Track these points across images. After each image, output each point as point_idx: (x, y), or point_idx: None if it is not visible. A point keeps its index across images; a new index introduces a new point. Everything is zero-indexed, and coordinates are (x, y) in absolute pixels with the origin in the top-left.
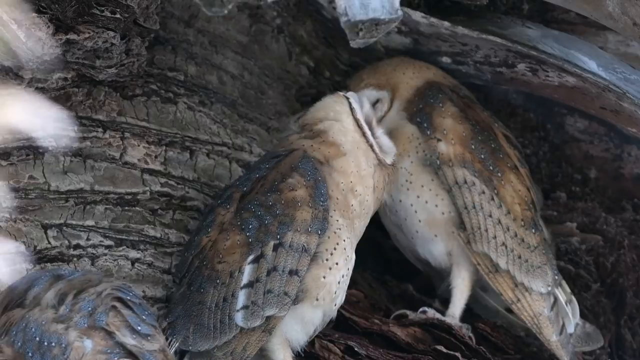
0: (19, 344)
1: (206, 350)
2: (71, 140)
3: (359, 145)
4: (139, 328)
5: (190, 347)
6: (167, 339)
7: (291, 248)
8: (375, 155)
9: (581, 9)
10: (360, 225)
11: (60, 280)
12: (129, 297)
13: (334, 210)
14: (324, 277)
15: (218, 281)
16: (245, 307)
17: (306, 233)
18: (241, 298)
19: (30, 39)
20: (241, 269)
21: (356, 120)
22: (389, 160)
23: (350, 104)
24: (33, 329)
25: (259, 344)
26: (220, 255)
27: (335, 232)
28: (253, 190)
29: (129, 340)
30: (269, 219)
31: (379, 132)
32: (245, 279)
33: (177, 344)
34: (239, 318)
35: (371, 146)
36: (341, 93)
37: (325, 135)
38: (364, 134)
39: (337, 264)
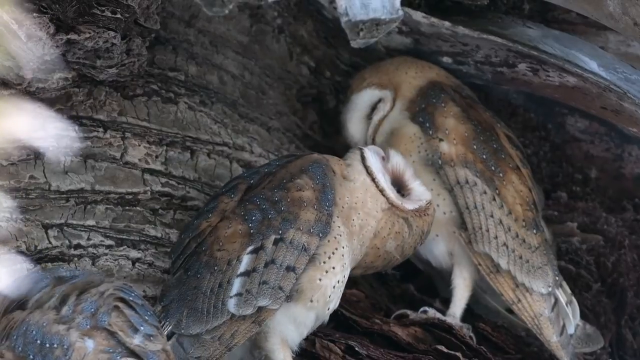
0: (20, 348)
1: (195, 333)
2: (73, 141)
3: (367, 187)
4: (142, 328)
5: (182, 331)
6: (160, 321)
7: (291, 245)
8: (385, 199)
9: (582, 9)
10: (357, 247)
11: (62, 282)
12: (131, 298)
13: (337, 217)
14: (320, 280)
15: (215, 268)
16: (239, 295)
17: (308, 233)
18: (236, 285)
19: (31, 39)
20: (239, 257)
21: (366, 168)
22: (410, 205)
23: (362, 153)
24: (34, 332)
25: (248, 334)
26: (220, 243)
27: (335, 238)
28: (260, 184)
29: (132, 340)
30: (273, 213)
31: (415, 183)
32: (242, 267)
33: (170, 327)
34: (231, 304)
35: (381, 191)
36: (360, 146)
37: (347, 166)
38: (373, 180)
39: (333, 268)
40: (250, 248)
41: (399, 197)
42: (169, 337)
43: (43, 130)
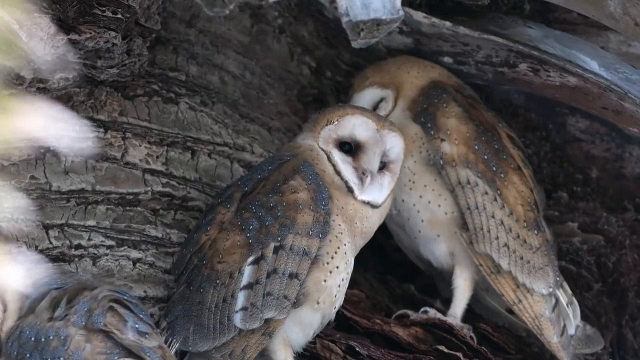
0: (15, 352)
1: (205, 351)
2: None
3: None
4: (137, 326)
5: (190, 348)
6: (167, 339)
7: (292, 251)
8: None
9: (583, 9)
10: (360, 239)
11: (54, 290)
12: (125, 297)
13: (337, 215)
14: (325, 281)
15: (218, 281)
16: (244, 309)
17: (307, 236)
18: (240, 299)
19: (32, 40)
20: (241, 269)
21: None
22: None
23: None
24: (27, 332)
25: (259, 347)
26: (220, 255)
27: (336, 236)
28: (254, 190)
29: (128, 337)
30: (270, 220)
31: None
32: (244, 280)
33: (177, 345)
34: (237, 319)
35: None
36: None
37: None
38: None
39: (337, 267)
40: (250, 259)
41: (359, 186)
42: (182, 357)
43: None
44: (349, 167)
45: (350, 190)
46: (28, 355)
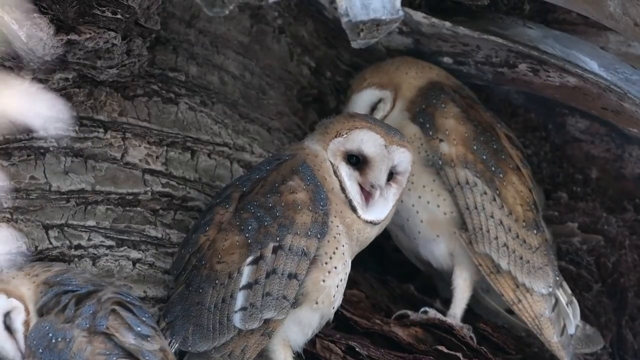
0: (35, 342)
1: (204, 352)
2: (72, 140)
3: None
4: (139, 329)
5: (189, 348)
6: (166, 339)
7: (291, 251)
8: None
9: (582, 10)
10: (357, 240)
11: (64, 295)
12: (128, 300)
13: (335, 217)
14: (324, 281)
15: (217, 282)
16: (243, 309)
17: (306, 237)
18: (239, 299)
19: (32, 40)
20: (240, 270)
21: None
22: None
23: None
24: (47, 327)
25: (259, 347)
26: (219, 256)
27: (335, 237)
28: (253, 190)
29: (129, 340)
30: (269, 220)
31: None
32: (244, 280)
33: (177, 345)
34: (237, 319)
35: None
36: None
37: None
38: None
39: (335, 267)
40: (249, 259)
41: (362, 204)
42: (181, 357)
43: (43, 129)
44: (354, 184)
45: (353, 209)
46: (40, 350)
